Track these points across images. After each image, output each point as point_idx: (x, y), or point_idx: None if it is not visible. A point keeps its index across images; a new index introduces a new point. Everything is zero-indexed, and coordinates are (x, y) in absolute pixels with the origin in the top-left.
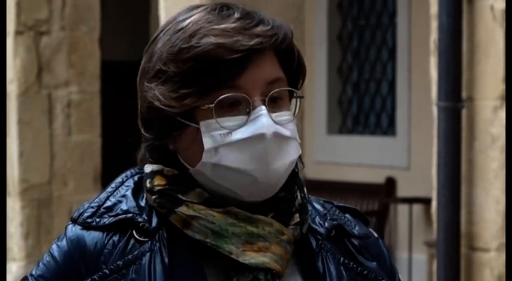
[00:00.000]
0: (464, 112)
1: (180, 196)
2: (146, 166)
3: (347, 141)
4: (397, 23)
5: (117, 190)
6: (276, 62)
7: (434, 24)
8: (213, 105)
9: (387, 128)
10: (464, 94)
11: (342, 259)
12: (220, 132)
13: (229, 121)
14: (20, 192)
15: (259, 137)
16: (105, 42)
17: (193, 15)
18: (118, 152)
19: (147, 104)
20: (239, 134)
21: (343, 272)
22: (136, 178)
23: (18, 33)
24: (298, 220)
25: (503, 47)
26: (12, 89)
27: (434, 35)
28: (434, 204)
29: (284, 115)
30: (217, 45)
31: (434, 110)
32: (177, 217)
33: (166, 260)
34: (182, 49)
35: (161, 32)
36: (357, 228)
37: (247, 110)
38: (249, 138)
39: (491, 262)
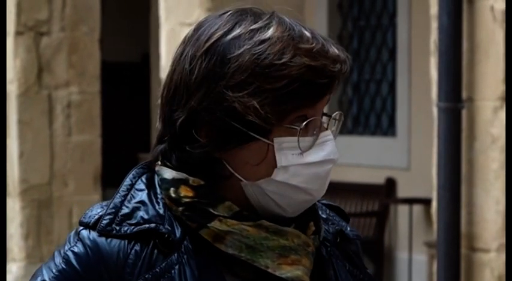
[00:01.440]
0: (464, 113)
1: (211, 210)
2: (164, 170)
3: (347, 141)
4: (397, 23)
5: (130, 194)
6: None
7: (434, 25)
8: (302, 125)
9: (387, 128)
10: (464, 95)
11: (347, 265)
12: (292, 152)
13: (302, 142)
14: (20, 192)
15: (328, 162)
16: (105, 43)
17: (269, 26)
18: (118, 152)
19: (228, 112)
20: (311, 157)
21: (351, 280)
22: (144, 179)
23: (18, 33)
24: (313, 228)
25: (503, 47)
26: (12, 89)
27: (434, 36)
28: (434, 204)
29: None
30: (310, 68)
31: (435, 110)
32: (210, 232)
33: (196, 273)
34: (273, 65)
35: (225, 35)
36: (348, 229)
37: (314, 132)
38: (320, 162)
39: (491, 262)
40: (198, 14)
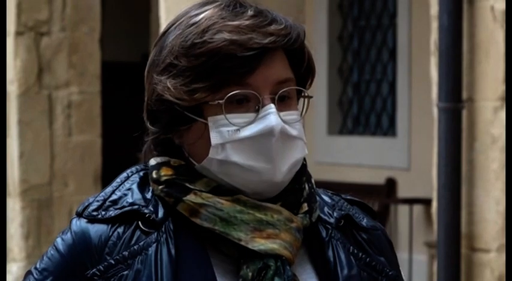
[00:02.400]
0: (464, 113)
1: (187, 185)
2: (151, 159)
3: (347, 142)
4: (397, 23)
5: (123, 184)
6: (286, 62)
7: (434, 25)
8: (223, 101)
9: (388, 128)
10: (464, 95)
11: (351, 248)
12: (228, 128)
13: (238, 118)
14: (20, 193)
15: (267, 135)
16: (106, 43)
17: (207, 10)
18: (118, 152)
19: (156, 97)
20: (247, 132)
21: (353, 261)
22: (141, 173)
23: (18, 33)
24: (306, 208)
25: (504, 47)
26: (12, 89)
27: (434, 36)
28: (434, 205)
29: (292, 114)
30: (231, 42)
31: (435, 110)
32: (185, 206)
33: (172, 251)
34: (195, 44)
35: (172, 25)
36: (365, 220)
37: (256, 107)
38: (257, 135)
39: (491, 262)
40: (183, 9)
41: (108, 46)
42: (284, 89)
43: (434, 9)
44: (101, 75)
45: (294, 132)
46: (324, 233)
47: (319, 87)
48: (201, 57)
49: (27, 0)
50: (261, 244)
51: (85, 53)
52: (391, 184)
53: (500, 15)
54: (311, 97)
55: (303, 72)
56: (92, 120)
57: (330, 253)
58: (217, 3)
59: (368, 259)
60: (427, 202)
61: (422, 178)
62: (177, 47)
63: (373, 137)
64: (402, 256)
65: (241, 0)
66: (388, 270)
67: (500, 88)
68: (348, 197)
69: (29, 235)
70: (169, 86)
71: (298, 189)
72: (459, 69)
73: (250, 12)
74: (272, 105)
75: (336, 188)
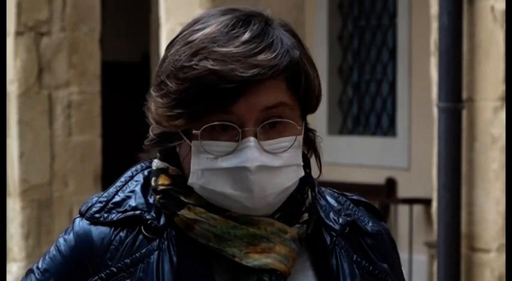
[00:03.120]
0: (464, 113)
1: (182, 198)
2: (154, 162)
3: (347, 141)
4: (397, 23)
5: (127, 185)
6: (284, 87)
7: (434, 25)
8: (199, 131)
9: (388, 128)
10: (464, 95)
11: (355, 256)
12: (207, 156)
13: (217, 146)
14: (20, 193)
15: (242, 170)
16: (106, 43)
17: (207, 27)
18: (118, 152)
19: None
20: (224, 163)
21: (356, 271)
22: (146, 172)
23: (18, 33)
24: (306, 218)
25: (504, 47)
26: (12, 89)
27: (434, 36)
28: (434, 205)
29: (282, 142)
30: (212, 72)
31: (435, 110)
32: (180, 220)
33: (174, 259)
34: (183, 67)
35: (181, 33)
36: (370, 224)
37: (237, 138)
38: (233, 168)
39: (491, 262)
40: (198, 14)
41: (108, 46)
42: (269, 121)
43: (434, 9)
44: (101, 75)
45: (276, 163)
46: (328, 240)
47: None
48: (185, 82)
49: (27, 0)
50: (255, 260)
51: (85, 53)
52: (391, 184)
53: (500, 15)
54: (315, 131)
55: (302, 97)
56: (92, 120)
57: (334, 261)
58: (225, 17)
59: (371, 268)
60: (427, 202)
61: (422, 178)
62: (170, 66)
63: (373, 137)
64: (402, 256)
65: (255, 13)
66: (389, 279)
67: (500, 88)
68: (354, 198)
69: (29, 235)
70: (152, 108)
71: (299, 199)
72: (459, 69)
73: (246, 36)
74: (251, 138)
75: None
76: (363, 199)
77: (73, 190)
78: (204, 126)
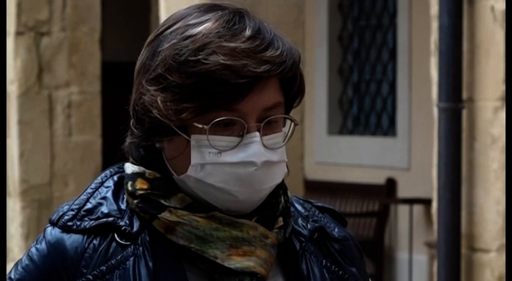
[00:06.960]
0: (464, 113)
1: (162, 202)
2: (127, 165)
3: (347, 142)
4: (397, 23)
5: (97, 191)
6: (278, 86)
7: (434, 25)
8: (208, 126)
9: (388, 128)
10: (464, 95)
11: (324, 261)
12: (210, 150)
13: (221, 141)
14: (20, 193)
15: (249, 164)
16: (106, 43)
17: (206, 21)
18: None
19: (142, 105)
20: (229, 157)
21: (326, 275)
22: (116, 177)
23: (18, 33)
24: (281, 223)
25: (504, 47)
26: (12, 89)
27: (434, 36)
28: (434, 205)
29: (276, 138)
30: (225, 67)
31: (435, 110)
32: (160, 223)
33: (150, 263)
34: (189, 61)
35: (168, 28)
36: (336, 230)
37: (241, 133)
38: (238, 163)
39: (491, 262)
40: (178, 11)
41: (108, 46)
42: (271, 117)
43: (434, 9)
44: (101, 75)
45: (275, 158)
46: (297, 246)
47: (319, 87)
48: (193, 77)
49: (27, 0)
50: (237, 262)
51: (85, 53)
52: (391, 184)
53: (500, 15)
54: (297, 124)
55: (293, 95)
56: (92, 120)
57: (304, 266)
58: (219, 13)
59: (341, 272)
60: (427, 202)
61: (422, 178)
62: (170, 60)
63: (373, 137)
64: (402, 256)
65: (243, 11)
66: None
67: (500, 88)
68: (319, 204)
69: (29, 235)
70: (158, 101)
71: (274, 203)
72: (459, 69)
73: (248, 32)
74: (257, 133)
75: (336, 188)
76: (328, 206)
77: (73, 190)
78: (214, 120)
